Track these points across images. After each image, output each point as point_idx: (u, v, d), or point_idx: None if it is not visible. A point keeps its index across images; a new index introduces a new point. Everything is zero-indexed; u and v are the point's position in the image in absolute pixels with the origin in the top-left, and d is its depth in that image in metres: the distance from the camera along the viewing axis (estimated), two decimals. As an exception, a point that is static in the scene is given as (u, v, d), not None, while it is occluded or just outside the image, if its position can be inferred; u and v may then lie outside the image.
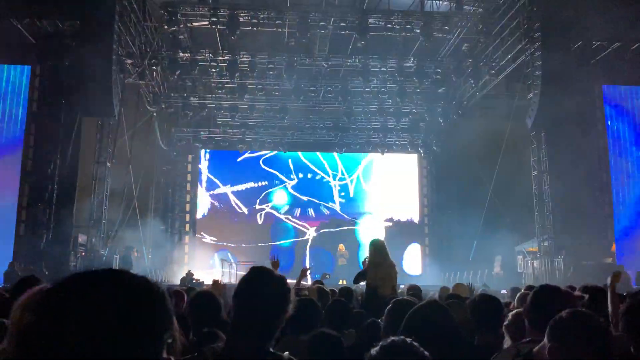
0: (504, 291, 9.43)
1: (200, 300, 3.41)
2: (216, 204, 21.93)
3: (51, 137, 14.50)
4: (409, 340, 1.59)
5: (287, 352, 1.95)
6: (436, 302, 2.56)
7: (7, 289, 5.09)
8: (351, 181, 22.48)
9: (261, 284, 1.91)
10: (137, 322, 0.93)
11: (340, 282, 15.61)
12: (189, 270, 16.53)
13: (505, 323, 3.04)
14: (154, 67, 16.71)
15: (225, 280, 14.75)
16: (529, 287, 4.88)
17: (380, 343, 1.60)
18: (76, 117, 14.37)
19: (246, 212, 21.77)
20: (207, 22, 15.17)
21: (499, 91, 17.92)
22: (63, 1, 13.86)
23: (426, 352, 1.58)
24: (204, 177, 22.15)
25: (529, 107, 14.60)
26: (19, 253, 14.32)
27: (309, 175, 22.35)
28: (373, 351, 1.59)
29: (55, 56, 14.96)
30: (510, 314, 3.18)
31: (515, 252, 16.52)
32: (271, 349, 1.86)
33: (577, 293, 4.25)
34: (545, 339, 2.06)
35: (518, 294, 4.83)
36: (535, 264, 14.97)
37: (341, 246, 19.92)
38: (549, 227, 14.57)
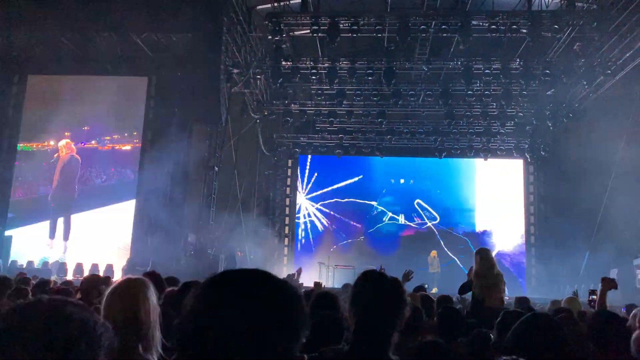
0: (623, 309, 8.72)
1: (322, 301, 3.48)
2: (314, 206, 22.31)
3: (165, 143, 15.57)
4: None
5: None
6: (545, 314, 2.43)
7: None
8: (451, 187, 21.90)
9: (378, 287, 1.92)
10: (286, 319, 1.01)
11: (434, 290, 15.28)
12: (300, 269, 16.86)
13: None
14: (258, 76, 17.39)
15: (323, 283, 14.95)
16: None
17: None
18: (188, 125, 15.31)
19: (340, 217, 21.94)
20: (308, 31, 15.52)
21: (615, 92, 16.61)
22: (176, 16, 14.83)
23: None
24: (303, 182, 22.63)
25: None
26: (134, 249, 15.53)
27: (402, 181, 22.08)
28: None
29: (169, 67, 16.07)
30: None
31: (634, 266, 15.21)
32: (391, 355, 1.86)
33: None
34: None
35: (634, 311, 4.46)
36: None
37: (433, 252, 19.40)
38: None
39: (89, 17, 15.16)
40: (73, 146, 17.56)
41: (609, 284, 4.19)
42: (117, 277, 14.96)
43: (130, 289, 2.28)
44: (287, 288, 1.06)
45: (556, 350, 1.89)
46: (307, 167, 22.79)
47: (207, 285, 1.05)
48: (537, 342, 1.91)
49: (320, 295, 3.61)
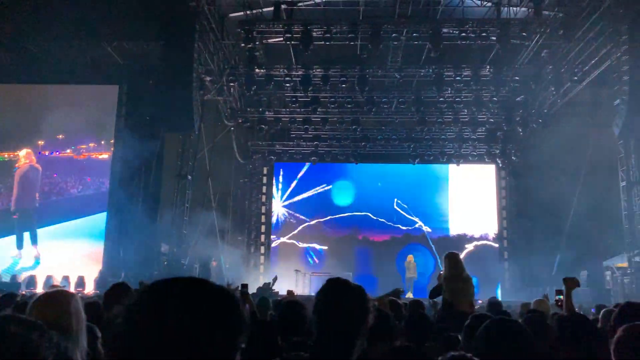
0: (593, 310, 8.90)
1: (289, 309, 3.47)
2: (290, 213, 22.26)
3: (137, 152, 15.38)
4: (468, 355, 1.56)
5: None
6: (510, 320, 2.45)
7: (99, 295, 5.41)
8: (424, 192, 22.09)
9: (341, 295, 1.92)
10: (217, 326, 0.99)
11: (409, 295, 15.37)
12: (275, 277, 16.80)
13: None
14: (232, 84, 17.35)
15: (299, 291, 14.92)
16: (617, 305, 4.61)
17: (440, 358, 1.58)
18: (160, 133, 15.16)
19: (317, 222, 21.94)
20: (281, 38, 15.55)
21: (582, 98, 17.04)
22: (147, 23, 14.71)
23: None
24: (278, 189, 22.58)
25: (615, 115, 13.78)
26: (106, 260, 15.27)
27: (379, 185, 22.21)
28: None
29: (140, 75, 15.91)
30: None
31: (603, 268, 15.57)
32: None
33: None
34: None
35: (602, 311, 4.57)
36: (625, 281, 14.03)
37: (410, 257, 19.53)
38: (641, 241, 13.63)
39: (58, 25, 14.94)
40: (33, 156, 17.14)
41: (572, 283, 4.29)
42: (89, 289, 14.69)
43: (52, 299, 2.36)
44: (222, 295, 1.05)
45: (521, 355, 1.91)
46: (283, 174, 22.76)
47: (140, 294, 1.03)
48: (501, 346, 1.93)
49: (288, 304, 3.60)
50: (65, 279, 14.99)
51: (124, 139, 16.13)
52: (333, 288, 1.96)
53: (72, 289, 13.50)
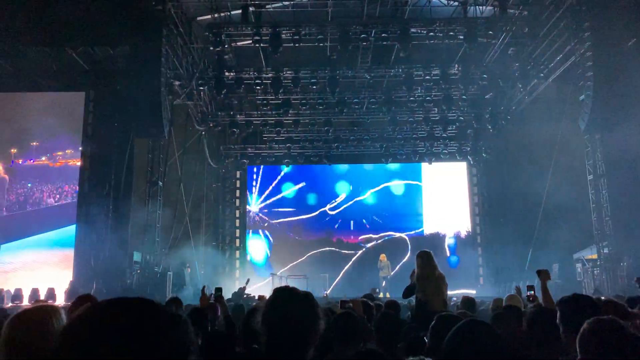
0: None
1: (254, 316, 3.41)
2: (265, 218, 22.15)
3: (106, 160, 15.08)
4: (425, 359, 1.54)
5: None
6: (476, 321, 2.44)
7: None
8: (397, 192, 22.23)
9: (288, 304, 1.90)
10: (157, 350, 0.96)
11: (382, 295, 15.40)
12: (248, 280, 16.67)
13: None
14: (201, 88, 17.18)
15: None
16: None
17: None
18: (129, 139, 14.90)
19: (292, 226, 21.89)
20: (250, 41, 15.46)
21: (549, 94, 17.37)
22: (113, 28, 14.45)
23: None
24: (252, 193, 22.44)
25: (581, 110, 14.07)
26: (77, 271, 14.95)
27: (353, 187, 22.27)
28: None
29: (107, 81, 15.63)
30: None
31: (574, 260, 15.87)
32: None
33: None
34: (578, 352, 1.95)
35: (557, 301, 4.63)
36: (595, 273, 14.33)
37: (382, 256, 19.60)
38: (609, 233, 13.93)
39: (20, 31, 14.56)
40: (0, 166, 16.69)
41: (545, 275, 4.35)
42: (60, 301, 14.34)
43: (28, 318, 2.14)
44: (163, 317, 1.01)
45: (490, 357, 1.90)
46: (257, 177, 22.63)
47: (75, 319, 0.99)
48: (470, 350, 1.92)
49: (252, 311, 3.55)
50: (35, 291, 14.62)
51: (92, 146, 15.82)
52: (280, 297, 1.94)
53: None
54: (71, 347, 0.95)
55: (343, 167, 22.27)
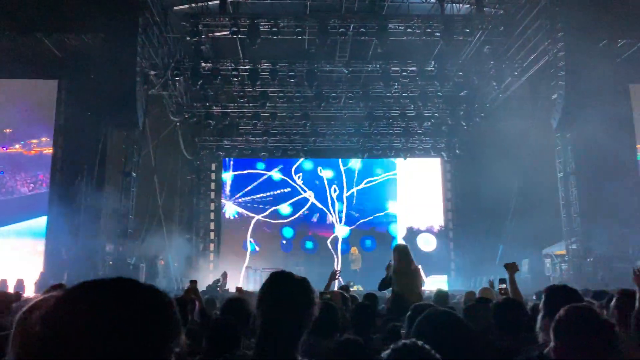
0: (534, 297, 9.26)
1: (232, 306, 3.42)
2: (240, 211, 22.07)
3: (78, 149, 14.80)
4: (420, 343, 1.58)
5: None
6: (446, 309, 2.51)
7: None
8: (372, 186, 22.38)
9: (283, 288, 1.91)
10: (144, 330, 0.94)
11: (355, 288, 15.52)
12: (225, 273, 16.60)
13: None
14: (177, 78, 16.96)
15: (251, 288, 14.81)
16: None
17: (392, 346, 1.60)
18: (102, 129, 14.65)
19: (268, 220, 21.86)
20: (228, 32, 15.33)
21: (522, 93, 17.67)
22: (88, 15, 14.15)
23: (437, 355, 1.57)
24: (227, 185, 22.33)
25: (553, 108, 14.36)
26: (48, 261, 14.68)
27: (326, 180, 22.33)
28: (384, 354, 1.58)
29: (80, 70, 15.31)
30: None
31: (543, 256, 16.23)
32: (299, 357, 1.85)
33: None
34: (552, 339, 2.02)
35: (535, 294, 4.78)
36: (563, 268, 14.69)
37: (354, 249, 19.71)
38: (577, 229, 14.28)
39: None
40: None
41: (512, 268, 4.48)
42: (29, 292, 14.06)
43: None
44: (151, 295, 1.00)
45: (457, 345, 1.95)
46: (231, 170, 22.50)
47: (59, 298, 0.97)
48: (437, 337, 1.97)
49: (230, 301, 3.56)
50: (4, 282, 14.30)
51: (65, 136, 15.52)
52: (277, 281, 1.96)
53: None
54: (55, 332, 0.91)
55: (319, 161, 22.29)
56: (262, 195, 22.10)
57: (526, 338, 3.18)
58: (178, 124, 18.81)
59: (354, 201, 22.12)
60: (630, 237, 14.20)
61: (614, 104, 14.48)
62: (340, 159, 22.32)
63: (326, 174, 22.31)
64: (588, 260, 13.71)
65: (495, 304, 3.47)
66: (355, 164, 22.24)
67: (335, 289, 6.50)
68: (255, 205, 22.04)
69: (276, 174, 22.27)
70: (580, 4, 13.67)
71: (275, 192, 22.14)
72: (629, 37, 14.77)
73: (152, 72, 15.74)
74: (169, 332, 0.98)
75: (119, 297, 0.96)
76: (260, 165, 22.15)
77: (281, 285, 1.93)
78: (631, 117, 15.75)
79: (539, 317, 3.04)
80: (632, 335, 2.45)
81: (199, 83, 16.92)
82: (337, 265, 19.63)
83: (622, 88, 15.65)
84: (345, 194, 22.17)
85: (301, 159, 21.97)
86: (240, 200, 22.15)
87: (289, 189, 22.17)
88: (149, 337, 0.94)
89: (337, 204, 22.05)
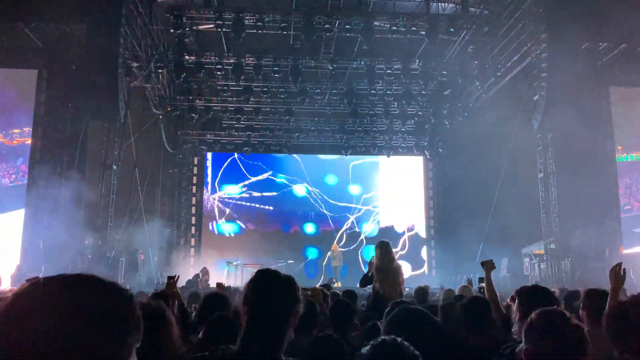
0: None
1: (212, 301, 3.41)
2: (221, 206, 21.97)
3: (58, 141, 14.57)
4: (399, 339, 1.59)
5: (290, 359, 1.93)
6: (416, 307, 2.53)
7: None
8: (356, 183, 22.44)
9: (269, 286, 1.92)
10: (101, 326, 0.94)
11: (336, 285, 15.57)
12: (205, 269, 16.49)
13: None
14: (160, 70, 16.80)
15: (231, 283, 14.75)
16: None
17: (372, 342, 1.61)
18: (83, 121, 14.44)
19: (249, 214, 21.80)
20: (212, 25, 15.21)
21: (505, 93, 17.81)
22: (70, 5, 13.91)
23: (416, 352, 1.58)
24: (209, 180, 22.20)
25: (534, 109, 14.52)
26: (25, 255, 14.44)
27: (315, 177, 22.33)
28: (364, 350, 1.59)
29: (62, 60, 15.06)
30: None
31: (522, 255, 16.43)
32: (282, 356, 1.85)
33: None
34: (523, 341, 2.05)
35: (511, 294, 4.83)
36: (542, 267, 14.88)
37: (334, 246, 19.75)
38: (556, 229, 14.47)
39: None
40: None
41: (488, 265, 4.52)
42: (5, 285, 13.82)
43: None
44: (110, 291, 1.00)
45: (427, 341, 1.97)
46: (212, 164, 22.37)
47: (19, 293, 0.97)
48: (407, 334, 1.98)
49: (209, 297, 3.54)
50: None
51: (44, 127, 15.25)
52: (263, 278, 1.96)
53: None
54: (16, 326, 0.92)
55: (302, 158, 22.26)
56: (244, 190, 22.00)
57: (501, 337, 3.21)
58: (160, 117, 18.62)
59: (335, 198, 22.14)
60: (607, 237, 14.45)
61: (594, 105, 14.72)
62: (322, 155, 22.27)
63: (309, 171, 22.26)
64: (566, 259, 13.90)
65: (462, 302, 3.50)
66: (339, 161, 22.22)
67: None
68: (237, 201, 21.94)
69: (257, 169, 22.19)
70: (562, 7, 13.83)
71: (258, 189, 22.07)
72: (610, 41, 14.97)
73: (135, 64, 15.53)
74: (127, 328, 0.98)
75: (75, 293, 0.96)
76: (243, 160, 22.05)
77: (267, 283, 1.93)
78: (611, 119, 15.98)
79: (516, 319, 3.07)
80: (604, 333, 2.48)
81: (182, 76, 16.77)
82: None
83: (603, 90, 15.88)
84: (326, 191, 22.18)
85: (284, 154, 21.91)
86: (222, 194, 22.03)
87: (270, 185, 22.10)
88: (106, 333, 0.95)
89: (319, 201, 22.05)
